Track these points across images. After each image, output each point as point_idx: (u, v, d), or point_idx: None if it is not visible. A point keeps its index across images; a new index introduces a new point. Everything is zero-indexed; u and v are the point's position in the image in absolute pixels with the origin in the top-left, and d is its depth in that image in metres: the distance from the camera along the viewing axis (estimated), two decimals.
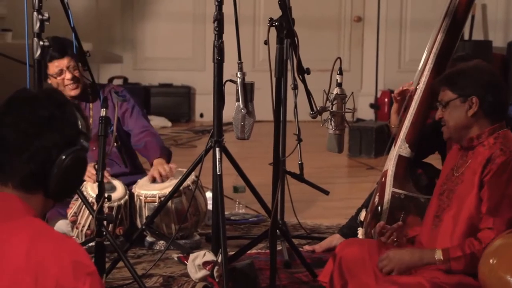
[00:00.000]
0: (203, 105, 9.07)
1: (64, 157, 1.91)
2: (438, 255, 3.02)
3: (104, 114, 3.38)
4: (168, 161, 4.56)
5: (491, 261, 2.77)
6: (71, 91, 4.52)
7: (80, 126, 1.97)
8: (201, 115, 9.26)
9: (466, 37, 8.66)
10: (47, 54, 4.44)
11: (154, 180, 4.46)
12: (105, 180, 4.35)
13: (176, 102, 9.13)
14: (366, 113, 8.98)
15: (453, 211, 3.11)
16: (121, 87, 4.80)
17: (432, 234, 3.18)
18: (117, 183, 4.47)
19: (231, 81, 3.66)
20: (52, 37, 4.54)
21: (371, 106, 8.75)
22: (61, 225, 4.44)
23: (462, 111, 3.14)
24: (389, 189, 3.99)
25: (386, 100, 8.71)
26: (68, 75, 4.50)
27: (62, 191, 1.95)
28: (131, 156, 4.70)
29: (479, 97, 3.11)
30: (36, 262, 1.76)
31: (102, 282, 1.83)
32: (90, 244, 3.93)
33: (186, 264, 3.89)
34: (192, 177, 4.30)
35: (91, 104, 4.62)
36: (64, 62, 4.51)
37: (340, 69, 3.45)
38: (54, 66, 4.50)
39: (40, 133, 1.90)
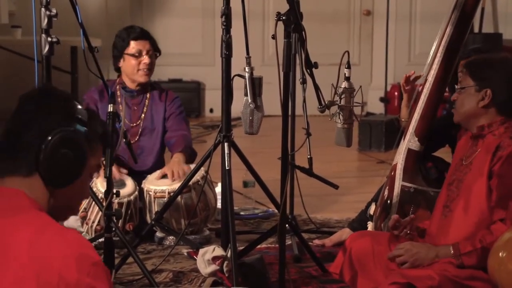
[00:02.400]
0: (213, 100, 9.07)
1: (50, 137, 1.89)
2: (451, 250, 3.01)
3: (112, 110, 3.37)
4: (188, 160, 4.55)
5: (500, 254, 2.76)
6: (141, 77, 4.59)
7: (75, 112, 1.93)
8: (211, 110, 9.27)
9: (476, 29, 8.62)
10: (132, 33, 4.56)
11: (163, 176, 4.47)
12: (119, 177, 4.39)
13: (186, 97, 9.10)
14: (376, 107, 8.96)
15: (462, 201, 3.10)
16: (175, 94, 4.81)
17: (441, 224, 3.16)
18: (127, 179, 4.47)
19: (239, 75, 3.65)
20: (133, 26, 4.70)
21: (381, 99, 8.73)
22: (70, 221, 4.44)
23: (474, 99, 3.13)
24: (398, 183, 3.98)
25: (396, 93, 8.69)
26: (146, 59, 4.57)
27: (56, 173, 1.91)
28: (160, 157, 4.74)
29: (494, 91, 3.09)
30: (39, 256, 1.75)
31: (108, 272, 1.81)
32: (100, 240, 3.93)
33: (195, 259, 3.89)
34: (202, 172, 4.29)
35: (147, 100, 4.65)
36: (146, 45, 4.59)
37: (348, 63, 3.44)
38: (135, 45, 4.57)
39: (27, 124, 1.90)
